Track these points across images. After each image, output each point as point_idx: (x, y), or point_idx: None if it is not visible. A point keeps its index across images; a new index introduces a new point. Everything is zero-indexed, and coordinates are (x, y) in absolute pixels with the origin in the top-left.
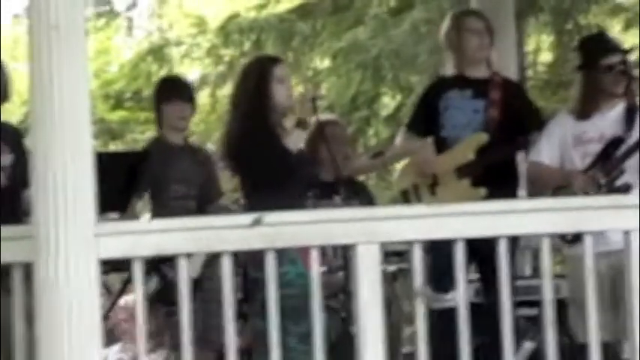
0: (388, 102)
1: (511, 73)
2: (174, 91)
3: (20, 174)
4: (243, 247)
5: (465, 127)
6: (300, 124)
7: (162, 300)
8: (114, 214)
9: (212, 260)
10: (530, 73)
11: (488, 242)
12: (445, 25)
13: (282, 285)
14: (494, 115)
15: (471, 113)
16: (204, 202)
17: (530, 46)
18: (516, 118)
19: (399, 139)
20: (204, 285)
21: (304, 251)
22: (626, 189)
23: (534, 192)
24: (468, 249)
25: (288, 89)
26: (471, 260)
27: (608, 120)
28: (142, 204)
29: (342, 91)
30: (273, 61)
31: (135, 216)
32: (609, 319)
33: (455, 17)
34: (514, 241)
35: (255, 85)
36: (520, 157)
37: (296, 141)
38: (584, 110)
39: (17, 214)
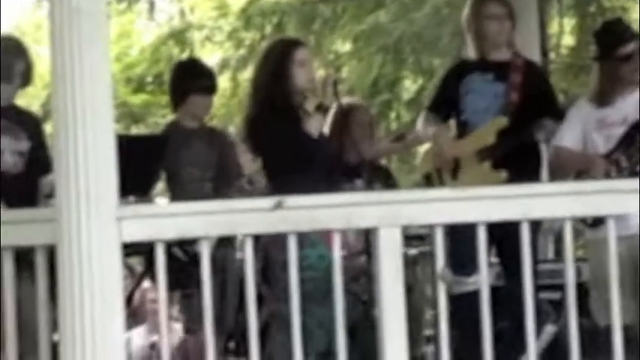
0: (409, 85)
1: (534, 56)
2: (205, 82)
3: (38, 160)
4: (264, 230)
5: (485, 111)
6: (320, 108)
7: (177, 282)
8: (134, 198)
9: (223, 241)
10: (552, 56)
11: (508, 225)
12: (466, 9)
13: (302, 269)
14: (514, 99)
15: (491, 97)
16: (222, 184)
17: (552, 28)
18: (535, 101)
19: (420, 122)
20: (217, 266)
21: (327, 233)
22: None
23: (557, 177)
24: (488, 232)
25: (310, 72)
26: (490, 243)
27: (631, 103)
28: (161, 188)
29: (364, 75)
30: (295, 44)
31: (150, 200)
32: (630, 302)
33: (475, 2)
34: (536, 224)
35: (275, 68)
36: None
37: (316, 125)
38: (604, 99)
39: (34, 199)
